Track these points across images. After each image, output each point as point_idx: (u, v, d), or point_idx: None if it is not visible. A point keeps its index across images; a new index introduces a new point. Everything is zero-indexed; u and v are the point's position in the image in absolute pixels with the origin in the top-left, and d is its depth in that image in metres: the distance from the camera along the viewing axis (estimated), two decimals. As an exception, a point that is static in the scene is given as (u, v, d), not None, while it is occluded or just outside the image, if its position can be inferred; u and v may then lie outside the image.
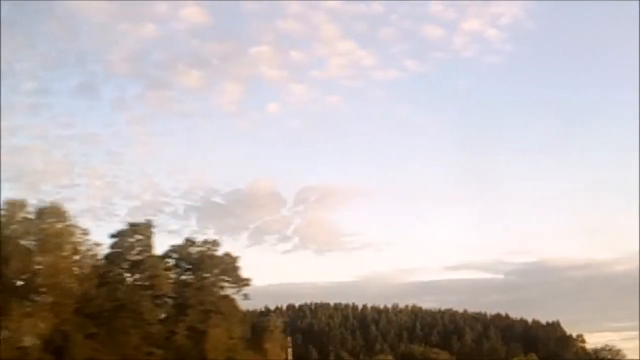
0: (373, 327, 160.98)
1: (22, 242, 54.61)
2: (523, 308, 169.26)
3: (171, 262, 64.83)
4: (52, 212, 55.88)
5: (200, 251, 65.38)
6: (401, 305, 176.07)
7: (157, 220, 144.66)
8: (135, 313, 57.46)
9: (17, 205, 55.34)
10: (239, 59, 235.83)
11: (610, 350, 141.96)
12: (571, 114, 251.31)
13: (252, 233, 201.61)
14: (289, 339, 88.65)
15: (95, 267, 58.85)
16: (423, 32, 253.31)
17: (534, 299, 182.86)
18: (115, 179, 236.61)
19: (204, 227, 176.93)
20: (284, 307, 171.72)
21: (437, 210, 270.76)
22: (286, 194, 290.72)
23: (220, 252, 66.15)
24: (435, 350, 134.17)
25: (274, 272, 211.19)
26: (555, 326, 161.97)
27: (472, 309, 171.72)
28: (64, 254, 55.96)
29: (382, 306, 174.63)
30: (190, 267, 65.20)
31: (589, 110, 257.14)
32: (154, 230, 62.81)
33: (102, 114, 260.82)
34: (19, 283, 54.52)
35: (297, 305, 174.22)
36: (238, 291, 66.15)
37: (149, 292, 60.38)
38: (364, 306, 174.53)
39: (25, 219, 55.22)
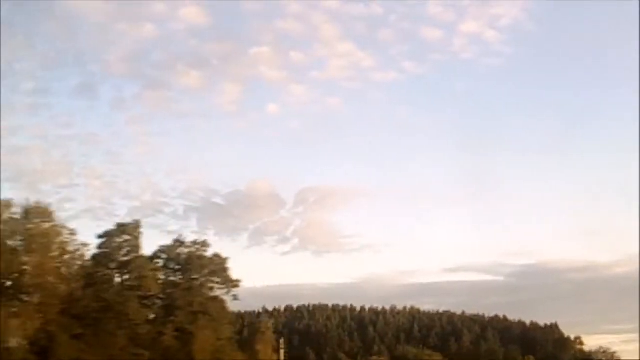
0: (371, 329, 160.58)
1: (9, 242, 54.34)
2: (522, 310, 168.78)
3: (160, 262, 64.62)
4: (38, 212, 55.78)
5: (190, 252, 65.06)
6: (399, 307, 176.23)
7: (157, 220, 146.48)
8: (122, 314, 57.15)
9: (3, 206, 55.11)
10: (238, 59, 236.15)
11: (605, 352, 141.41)
12: (571, 115, 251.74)
13: (251, 234, 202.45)
14: (282, 340, 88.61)
15: (82, 267, 58.81)
16: (422, 34, 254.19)
17: (533, 301, 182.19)
18: (114, 179, 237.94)
19: (204, 228, 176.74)
20: (282, 309, 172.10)
21: (436, 211, 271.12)
22: (286, 195, 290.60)
23: (209, 252, 65.96)
24: (428, 352, 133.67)
25: (273, 273, 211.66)
26: (553, 328, 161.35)
27: (471, 311, 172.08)
28: (51, 254, 55.81)
29: (380, 308, 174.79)
30: (179, 267, 64.85)
31: (588, 111, 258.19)
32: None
33: (102, 114, 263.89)
34: (7, 284, 54.28)
35: (295, 306, 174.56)
36: (227, 292, 65.83)
37: (137, 292, 60.11)
38: (362, 308, 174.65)
39: (12, 219, 54.98)
